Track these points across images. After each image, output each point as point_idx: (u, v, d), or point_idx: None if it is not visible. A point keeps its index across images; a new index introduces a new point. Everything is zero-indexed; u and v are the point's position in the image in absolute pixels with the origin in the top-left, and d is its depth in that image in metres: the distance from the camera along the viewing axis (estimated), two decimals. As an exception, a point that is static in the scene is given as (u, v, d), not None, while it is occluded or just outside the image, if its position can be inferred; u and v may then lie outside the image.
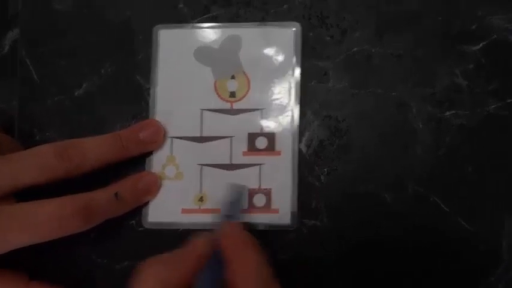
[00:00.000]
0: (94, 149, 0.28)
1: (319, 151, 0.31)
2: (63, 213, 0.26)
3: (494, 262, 0.30)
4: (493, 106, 0.31)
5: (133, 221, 0.31)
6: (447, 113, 0.31)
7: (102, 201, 0.28)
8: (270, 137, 0.31)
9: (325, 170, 0.31)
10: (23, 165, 0.26)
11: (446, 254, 0.30)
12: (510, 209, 0.30)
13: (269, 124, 0.31)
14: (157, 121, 0.31)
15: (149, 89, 0.32)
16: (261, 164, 0.31)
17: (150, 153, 0.31)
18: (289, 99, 0.31)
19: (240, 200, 0.30)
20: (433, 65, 0.31)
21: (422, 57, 0.31)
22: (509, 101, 0.31)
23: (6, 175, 0.26)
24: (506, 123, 0.31)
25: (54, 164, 0.27)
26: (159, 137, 0.31)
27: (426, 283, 0.30)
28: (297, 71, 0.31)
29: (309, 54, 0.32)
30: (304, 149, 0.31)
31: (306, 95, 0.31)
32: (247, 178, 0.31)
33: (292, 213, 0.30)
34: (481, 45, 0.31)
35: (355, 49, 0.32)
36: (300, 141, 0.31)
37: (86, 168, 0.28)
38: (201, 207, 0.31)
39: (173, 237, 0.31)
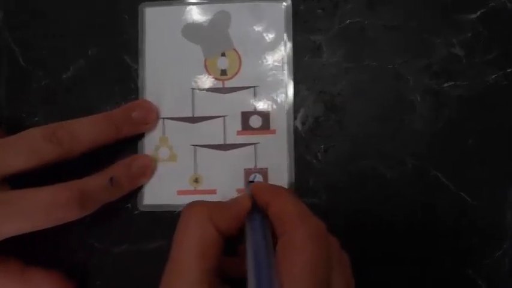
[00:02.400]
0: (84, 130, 0.27)
1: (315, 128, 0.30)
2: (58, 201, 0.25)
3: (499, 235, 0.29)
4: (492, 76, 0.30)
5: (129, 204, 0.30)
6: (445, 85, 0.30)
7: (97, 187, 0.27)
8: (264, 115, 0.30)
9: (322, 146, 0.30)
10: (11, 150, 0.26)
11: (450, 229, 0.29)
12: (512, 180, 0.29)
13: (263, 102, 0.30)
14: (149, 101, 0.30)
15: (138, 69, 0.31)
16: (256, 143, 0.30)
17: (142, 135, 0.30)
18: (283, 75, 0.30)
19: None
20: (429, 35, 0.30)
21: (417, 27, 0.30)
22: (509, 70, 0.30)
23: None
24: (506, 93, 0.30)
25: (43, 148, 0.26)
26: (151, 117, 0.30)
27: (430, 259, 0.29)
28: (289, 46, 0.30)
29: (300, 28, 0.31)
30: (299, 126, 0.30)
31: (299, 71, 0.31)
32: (243, 158, 0.30)
33: (290, 192, 0.30)
34: (478, 13, 0.30)
35: (348, 21, 0.31)
36: (295, 118, 0.30)
37: (77, 151, 0.27)
38: (197, 188, 0.30)
39: (169, 219, 0.30)
